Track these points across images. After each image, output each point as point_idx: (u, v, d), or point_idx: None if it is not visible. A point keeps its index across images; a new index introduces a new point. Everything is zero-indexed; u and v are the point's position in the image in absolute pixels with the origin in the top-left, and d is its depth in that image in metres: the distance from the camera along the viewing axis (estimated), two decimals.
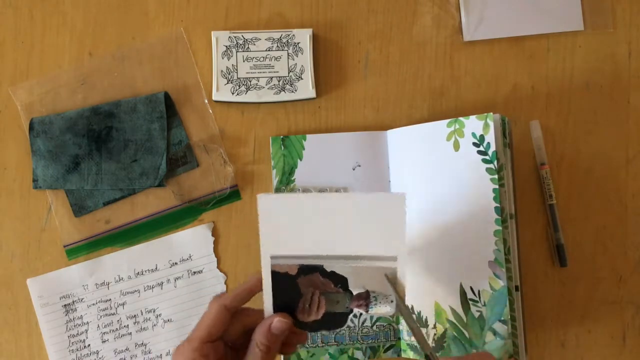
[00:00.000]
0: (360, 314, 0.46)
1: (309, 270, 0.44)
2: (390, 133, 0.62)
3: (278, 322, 0.43)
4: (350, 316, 0.46)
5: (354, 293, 0.45)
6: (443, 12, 0.65)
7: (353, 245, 0.44)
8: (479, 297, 0.55)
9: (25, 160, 0.63)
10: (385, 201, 0.44)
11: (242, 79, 0.63)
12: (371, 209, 0.44)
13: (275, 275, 0.44)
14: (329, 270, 0.44)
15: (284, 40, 0.63)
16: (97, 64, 0.64)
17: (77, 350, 0.62)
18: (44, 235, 0.63)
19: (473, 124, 0.56)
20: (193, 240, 0.63)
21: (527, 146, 0.63)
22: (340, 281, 0.44)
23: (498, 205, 0.54)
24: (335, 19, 0.65)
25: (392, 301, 0.45)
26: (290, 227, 0.44)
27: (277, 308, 0.44)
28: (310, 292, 0.44)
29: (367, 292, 0.45)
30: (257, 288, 0.45)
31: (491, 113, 0.55)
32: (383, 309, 0.45)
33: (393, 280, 0.44)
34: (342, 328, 0.60)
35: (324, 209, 0.44)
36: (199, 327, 0.43)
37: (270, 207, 0.43)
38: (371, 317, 0.60)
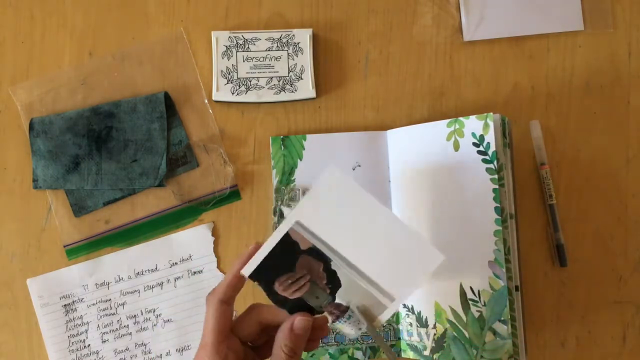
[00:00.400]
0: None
1: (317, 255, 0.44)
2: (390, 133, 0.62)
3: (299, 321, 0.43)
4: (316, 315, 0.45)
5: (336, 300, 0.44)
6: (443, 12, 0.65)
7: (370, 264, 0.44)
8: (479, 297, 0.55)
9: (25, 160, 0.63)
10: (424, 249, 0.43)
11: (242, 79, 0.63)
12: (408, 246, 0.43)
13: (286, 237, 0.43)
14: (332, 268, 0.44)
15: (284, 40, 0.63)
16: (97, 64, 0.64)
17: (77, 350, 0.62)
18: (44, 235, 0.63)
19: (473, 124, 0.56)
20: (193, 240, 0.63)
21: (527, 146, 0.63)
22: (333, 283, 0.44)
23: (498, 205, 0.54)
24: (335, 19, 0.65)
25: (360, 329, 0.44)
26: (332, 211, 0.43)
27: (264, 264, 0.43)
28: (302, 273, 0.44)
29: (347, 308, 0.44)
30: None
31: (491, 113, 0.55)
32: (347, 330, 0.45)
33: (364, 314, 0.44)
34: None
35: (371, 216, 0.43)
36: (205, 332, 0.43)
37: (331, 182, 0.43)
38: None
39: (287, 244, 0.43)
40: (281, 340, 0.42)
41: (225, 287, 0.43)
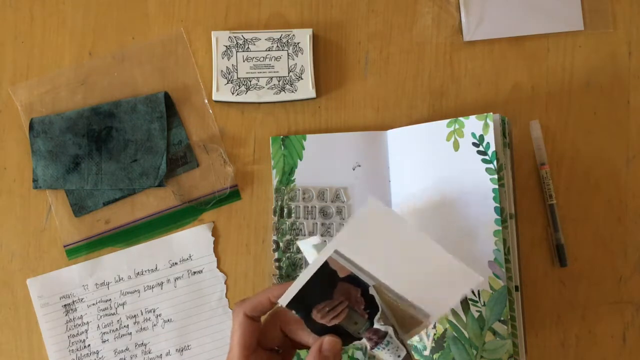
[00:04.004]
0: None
1: (355, 282, 0.43)
2: (390, 133, 0.62)
3: (328, 342, 0.41)
4: (355, 342, 0.44)
5: (374, 326, 0.43)
6: (443, 12, 0.65)
7: (407, 287, 0.43)
8: (479, 297, 0.55)
9: (25, 160, 0.63)
10: (462, 271, 0.43)
11: (242, 79, 0.63)
12: (446, 269, 0.43)
13: (325, 266, 0.42)
14: (370, 293, 0.43)
15: (284, 40, 0.63)
16: (97, 64, 0.64)
17: (77, 350, 0.62)
18: (44, 235, 0.63)
19: (473, 124, 0.56)
20: (193, 240, 0.63)
21: (527, 146, 0.63)
22: (371, 308, 0.43)
23: (498, 205, 0.54)
24: (335, 19, 0.65)
25: (399, 356, 0.43)
26: (371, 239, 0.43)
27: (302, 293, 0.42)
28: (340, 299, 0.43)
29: (385, 334, 0.43)
30: (278, 299, 0.43)
31: (491, 113, 0.55)
32: (386, 357, 0.44)
33: (401, 327, 0.44)
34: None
35: (409, 242, 0.43)
36: (232, 345, 0.42)
37: (371, 212, 0.42)
38: None
39: (326, 272, 0.42)
40: None
41: (254, 304, 0.42)
